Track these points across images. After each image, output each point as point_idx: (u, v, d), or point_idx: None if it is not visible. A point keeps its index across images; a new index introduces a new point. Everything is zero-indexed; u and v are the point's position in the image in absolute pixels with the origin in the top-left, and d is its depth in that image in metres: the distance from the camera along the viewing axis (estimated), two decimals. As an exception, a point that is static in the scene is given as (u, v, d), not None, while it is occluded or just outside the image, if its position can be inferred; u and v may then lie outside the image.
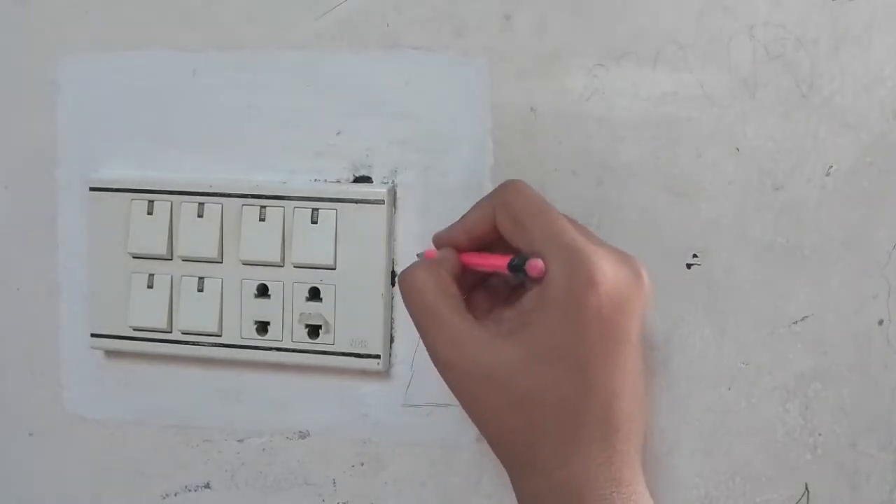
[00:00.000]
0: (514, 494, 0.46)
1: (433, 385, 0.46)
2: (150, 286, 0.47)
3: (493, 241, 0.40)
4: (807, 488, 0.44)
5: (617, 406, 0.36)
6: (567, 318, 0.35)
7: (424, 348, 0.46)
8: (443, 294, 0.38)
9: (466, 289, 0.41)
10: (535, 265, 0.36)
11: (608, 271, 0.35)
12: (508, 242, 0.38)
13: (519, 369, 0.35)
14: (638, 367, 0.37)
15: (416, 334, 0.46)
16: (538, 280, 0.36)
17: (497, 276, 0.41)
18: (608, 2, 0.43)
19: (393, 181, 0.46)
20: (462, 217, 0.41)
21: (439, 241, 0.41)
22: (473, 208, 0.40)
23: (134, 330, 0.48)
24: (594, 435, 0.36)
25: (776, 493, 0.44)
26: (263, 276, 0.46)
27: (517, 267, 0.37)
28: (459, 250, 0.40)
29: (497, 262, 0.39)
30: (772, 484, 0.44)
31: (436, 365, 0.38)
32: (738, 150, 0.43)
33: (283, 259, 0.46)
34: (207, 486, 0.50)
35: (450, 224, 0.41)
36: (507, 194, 0.38)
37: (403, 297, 0.39)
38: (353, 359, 0.46)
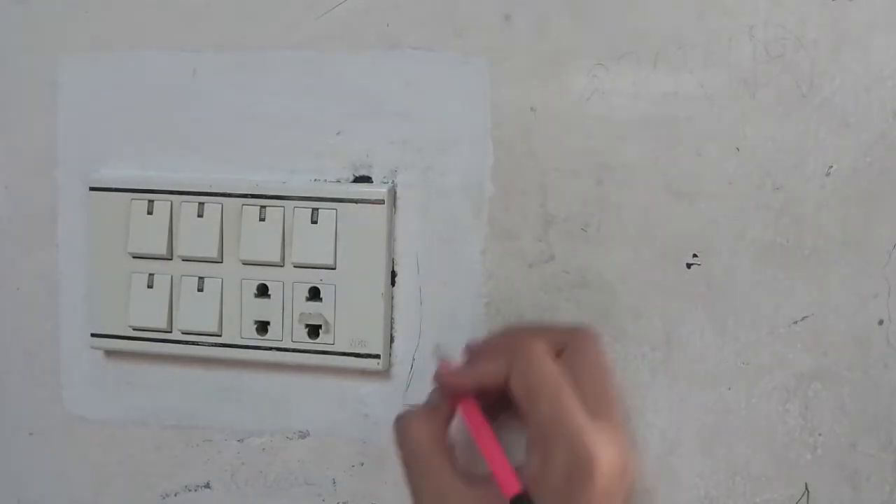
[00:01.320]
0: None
1: (433, 385, 0.46)
2: (150, 286, 0.47)
3: (497, 392, 0.40)
4: (807, 488, 0.44)
5: None
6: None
7: (424, 347, 0.46)
8: (436, 446, 0.39)
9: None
10: None
11: (605, 465, 0.36)
12: (515, 401, 0.39)
13: None
14: None
15: (416, 334, 0.46)
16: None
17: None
18: (608, 2, 0.43)
19: (393, 181, 0.46)
20: (473, 362, 0.41)
21: (445, 380, 0.41)
22: (487, 359, 0.40)
23: (134, 330, 0.48)
24: None
25: (776, 492, 0.44)
26: (263, 275, 0.46)
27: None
28: (461, 393, 0.41)
29: (500, 473, 0.38)
30: (772, 484, 0.44)
31: None
32: (738, 149, 0.43)
33: (283, 259, 0.46)
34: (207, 485, 0.50)
35: (463, 359, 0.42)
36: (524, 362, 0.39)
37: (396, 440, 0.40)
38: (353, 358, 0.46)
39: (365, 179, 0.46)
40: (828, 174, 0.42)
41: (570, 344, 0.41)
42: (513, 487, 0.38)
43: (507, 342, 0.41)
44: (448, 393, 0.41)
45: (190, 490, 0.50)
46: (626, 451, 0.38)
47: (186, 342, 0.48)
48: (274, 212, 0.46)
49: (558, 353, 0.41)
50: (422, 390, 0.46)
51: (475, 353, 0.42)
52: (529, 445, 0.38)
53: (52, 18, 0.48)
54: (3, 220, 0.50)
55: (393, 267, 0.46)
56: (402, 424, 0.40)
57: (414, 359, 0.47)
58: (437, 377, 0.41)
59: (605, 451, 0.36)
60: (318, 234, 0.45)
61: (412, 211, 0.46)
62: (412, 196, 0.46)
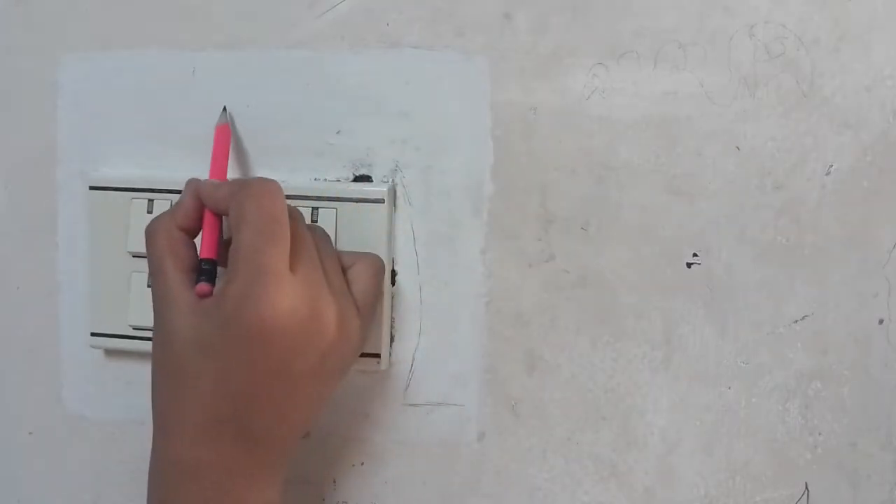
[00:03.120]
0: (514, 495, 0.46)
1: (433, 385, 0.46)
2: (150, 285, 0.47)
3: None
4: (807, 488, 0.44)
5: (251, 410, 0.37)
6: (229, 334, 0.36)
7: (424, 347, 0.46)
8: (172, 245, 0.40)
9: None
10: (200, 289, 0.38)
11: (280, 309, 0.36)
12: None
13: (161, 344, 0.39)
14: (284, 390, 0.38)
15: (416, 334, 0.46)
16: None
17: None
18: (608, 1, 0.43)
19: (393, 180, 0.46)
20: (215, 183, 0.42)
21: (195, 189, 0.42)
22: (223, 188, 0.40)
23: (134, 329, 0.48)
24: (225, 429, 0.37)
25: (776, 492, 0.44)
26: (263, 275, 0.46)
27: (203, 273, 0.39)
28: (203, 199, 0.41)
29: (207, 240, 0.41)
30: (772, 483, 0.44)
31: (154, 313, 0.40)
32: (738, 149, 0.43)
33: (283, 258, 0.46)
34: (207, 485, 0.50)
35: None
36: (248, 203, 0.38)
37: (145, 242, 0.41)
38: (353, 358, 0.46)
39: (365, 179, 0.46)
40: (828, 174, 0.42)
41: (356, 264, 0.42)
42: (208, 252, 0.40)
43: (239, 183, 0.40)
44: (193, 194, 0.41)
45: (190, 490, 0.50)
46: (319, 308, 0.37)
47: (186, 342, 0.47)
48: (274, 211, 0.46)
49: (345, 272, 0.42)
50: (422, 390, 0.47)
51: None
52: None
53: (52, 18, 0.48)
54: (3, 219, 0.50)
55: (393, 266, 0.46)
56: (149, 226, 0.41)
57: (414, 359, 0.47)
58: (195, 182, 0.41)
59: (280, 296, 0.36)
60: (318, 233, 0.45)
61: (412, 210, 0.46)
62: (412, 195, 0.46)
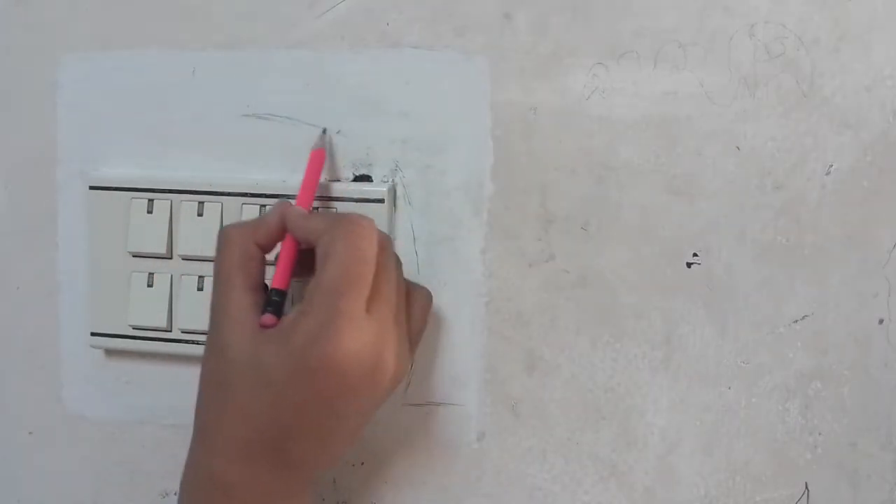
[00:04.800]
0: (513, 495, 0.46)
1: (433, 384, 0.46)
2: (149, 285, 0.47)
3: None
4: (807, 487, 0.44)
5: (296, 439, 0.37)
6: (291, 367, 0.36)
7: (424, 347, 0.46)
8: (246, 262, 0.39)
9: None
10: (265, 321, 0.38)
11: (345, 354, 0.36)
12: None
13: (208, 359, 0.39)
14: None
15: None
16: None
17: None
18: (608, 1, 0.43)
19: (393, 180, 0.46)
20: (305, 214, 0.41)
21: (287, 208, 0.41)
22: (315, 220, 0.40)
23: (134, 329, 0.48)
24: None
25: (776, 492, 0.44)
26: (263, 275, 0.46)
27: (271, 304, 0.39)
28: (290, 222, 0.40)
29: (281, 268, 0.40)
30: (772, 483, 0.44)
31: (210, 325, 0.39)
32: (738, 148, 0.43)
33: (283, 258, 0.46)
34: (207, 485, 0.50)
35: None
36: (349, 225, 0.38)
37: (216, 247, 0.40)
38: (352, 358, 0.46)
39: (365, 178, 0.46)
40: (828, 173, 0.42)
41: (410, 294, 0.42)
42: (281, 283, 0.39)
43: (334, 221, 0.39)
44: (280, 217, 0.40)
45: (190, 489, 0.50)
46: (384, 352, 0.37)
47: (186, 341, 0.47)
48: (274, 211, 0.46)
49: None
50: (422, 390, 0.47)
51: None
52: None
53: (52, 18, 0.48)
54: (3, 219, 0.50)
55: (393, 266, 0.46)
56: (226, 232, 0.40)
57: (414, 359, 0.46)
58: (285, 207, 0.40)
59: (351, 342, 0.36)
60: (318, 233, 0.45)
61: (412, 210, 0.46)
62: (412, 195, 0.46)
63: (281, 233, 0.40)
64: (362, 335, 0.36)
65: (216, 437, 0.38)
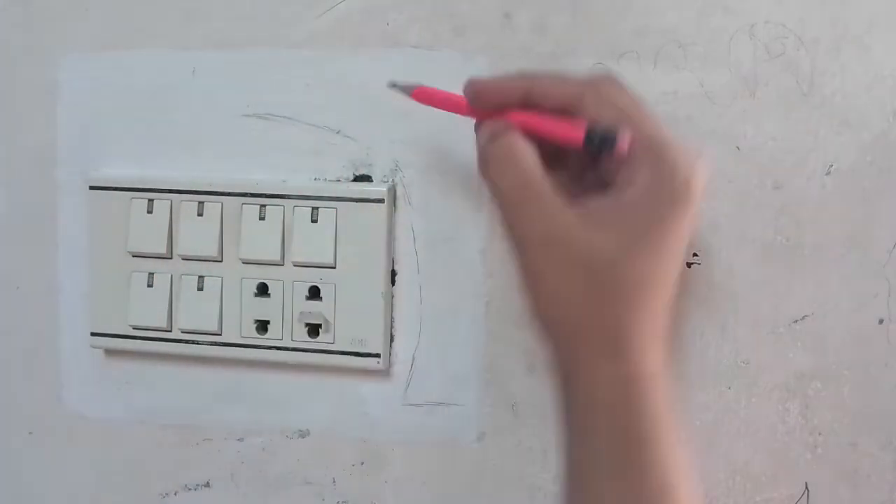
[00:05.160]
0: (514, 495, 0.46)
1: (433, 384, 0.46)
2: (150, 285, 0.47)
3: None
4: (807, 487, 0.44)
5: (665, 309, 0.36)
6: (666, 219, 0.34)
7: (424, 347, 0.46)
8: (542, 168, 0.35)
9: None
10: (626, 139, 0.34)
11: (700, 189, 0.34)
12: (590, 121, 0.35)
13: (618, 260, 0.34)
14: None
15: (416, 334, 0.46)
16: (616, 158, 0.34)
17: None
18: (608, 1, 0.43)
19: (393, 180, 0.46)
20: (517, 75, 0.37)
21: (485, 95, 0.37)
22: (546, 76, 0.36)
23: (134, 329, 0.48)
24: (661, 334, 0.35)
25: (776, 492, 0.44)
26: (263, 274, 0.46)
27: (600, 140, 0.34)
28: (505, 110, 0.37)
29: (567, 132, 0.34)
30: (772, 483, 0.44)
31: (522, 242, 0.36)
32: (738, 148, 0.43)
33: (282, 258, 0.46)
34: (207, 485, 0.50)
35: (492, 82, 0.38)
36: (609, 83, 0.35)
37: (494, 165, 0.36)
38: (353, 358, 0.46)
39: (365, 178, 0.46)
40: (828, 173, 0.42)
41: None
42: (578, 131, 0.34)
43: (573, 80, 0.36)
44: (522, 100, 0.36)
45: (190, 489, 0.50)
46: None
47: (186, 341, 0.48)
48: (274, 211, 0.46)
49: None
50: (422, 389, 0.47)
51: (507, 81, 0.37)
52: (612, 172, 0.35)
53: (52, 18, 0.48)
54: (3, 219, 0.50)
55: (393, 266, 0.46)
56: (508, 142, 0.36)
57: (414, 358, 0.47)
58: (474, 88, 0.37)
59: (701, 175, 0.34)
60: (318, 233, 0.45)
61: (412, 210, 0.46)
62: (412, 195, 0.46)
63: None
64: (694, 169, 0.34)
65: (628, 337, 0.34)
